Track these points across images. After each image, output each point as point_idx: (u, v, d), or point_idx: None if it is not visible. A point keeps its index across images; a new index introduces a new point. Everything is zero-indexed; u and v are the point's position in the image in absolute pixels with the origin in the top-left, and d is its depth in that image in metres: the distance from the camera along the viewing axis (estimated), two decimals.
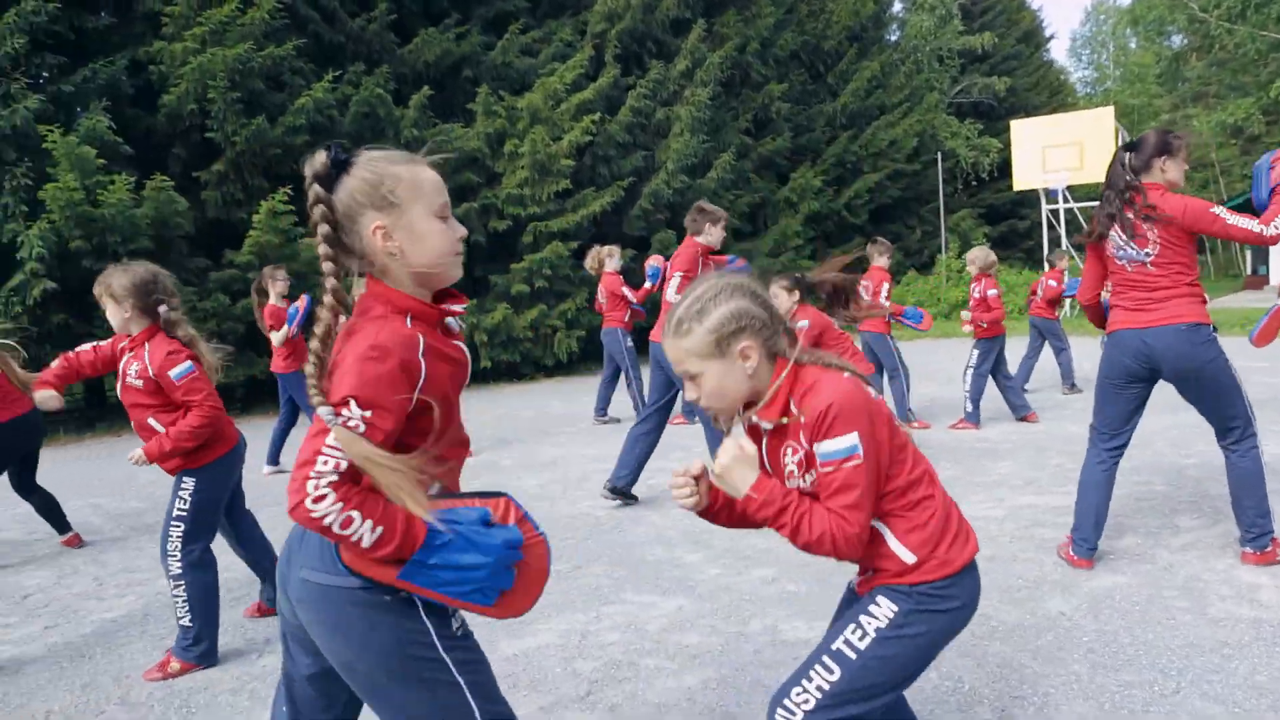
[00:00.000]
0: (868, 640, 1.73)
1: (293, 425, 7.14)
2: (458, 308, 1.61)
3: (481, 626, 3.50)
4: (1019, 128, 18.31)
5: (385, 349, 1.43)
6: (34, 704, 3.05)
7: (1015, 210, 26.90)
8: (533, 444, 7.90)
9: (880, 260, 7.38)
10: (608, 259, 8.28)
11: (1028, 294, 9.27)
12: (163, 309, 3.21)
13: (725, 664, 3.05)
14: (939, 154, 23.37)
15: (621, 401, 9.16)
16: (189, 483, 3.20)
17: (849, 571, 4.06)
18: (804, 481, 1.72)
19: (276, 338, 6.67)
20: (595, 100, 14.70)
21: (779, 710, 1.73)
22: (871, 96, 21.82)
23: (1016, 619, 3.29)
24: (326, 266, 1.49)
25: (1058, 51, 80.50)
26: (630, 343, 8.20)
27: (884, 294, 7.31)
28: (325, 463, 1.36)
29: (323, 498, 1.34)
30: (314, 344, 1.46)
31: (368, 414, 1.39)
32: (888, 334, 7.39)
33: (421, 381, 1.47)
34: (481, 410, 10.58)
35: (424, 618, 1.53)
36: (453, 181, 13.72)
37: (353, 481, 1.39)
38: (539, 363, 14.11)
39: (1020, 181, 18.23)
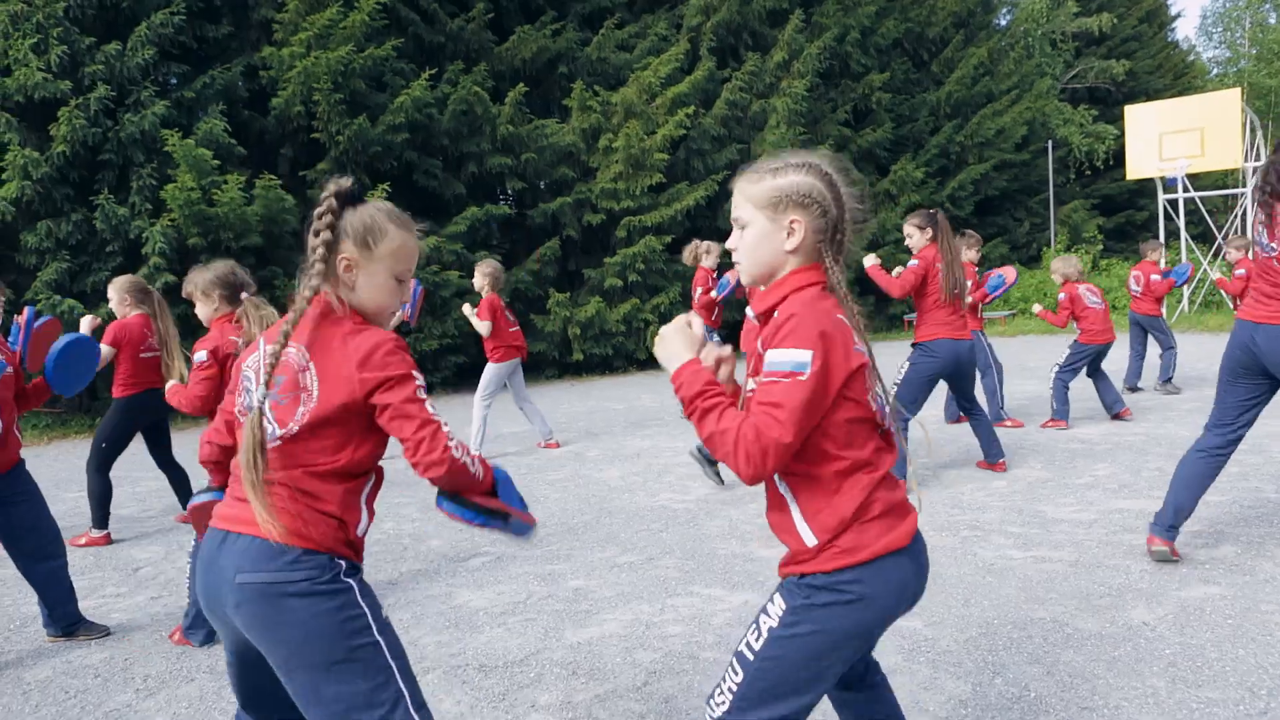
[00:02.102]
0: (762, 641, 1.63)
1: None
2: None
3: (547, 614, 3.58)
4: (1134, 113, 17.38)
5: (399, 339, 1.72)
6: (135, 668, 3.28)
7: (1133, 200, 25.54)
8: (620, 436, 7.98)
9: (969, 254, 7.16)
10: (705, 255, 8.27)
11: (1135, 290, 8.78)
12: (244, 294, 3.50)
13: None
14: (1050, 142, 22.39)
15: None
16: None
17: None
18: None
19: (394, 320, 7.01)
20: (690, 94, 14.67)
21: (707, 711, 1.70)
22: (978, 84, 21.07)
23: (1095, 628, 3.16)
24: (319, 267, 1.71)
25: (1186, 29, 76.23)
26: (718, 339, 8.18)
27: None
28: (440, 428, 1.64)
29: (457, 457, 1.64)
30: (289, 328, 1.68)
31: (421, 381, 1.69)
32: (979, 329, 7.19)
33: None
34: (572, 403, 10.74)
35: (360, 602, 1.61)
36: (547, 176, 13.96)
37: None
38: (631, 356, 14.21)
39: (1134, 170, 17.31)
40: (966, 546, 4.18)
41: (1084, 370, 7.20)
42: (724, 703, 1.64)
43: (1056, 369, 7.09)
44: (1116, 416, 7.11)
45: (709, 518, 4.96)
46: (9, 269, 10.11)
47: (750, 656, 1.63)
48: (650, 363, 14.44)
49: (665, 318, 13.99)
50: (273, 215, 10.83)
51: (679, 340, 1.66)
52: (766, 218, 1.66)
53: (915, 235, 5.34)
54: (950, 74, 20.74)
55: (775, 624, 1.62)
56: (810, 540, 1.60)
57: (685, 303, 14.23)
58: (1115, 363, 7.52)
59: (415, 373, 1.67)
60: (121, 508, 5.99)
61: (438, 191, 13.03)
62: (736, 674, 1.64)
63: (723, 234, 15.70)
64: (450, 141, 12.91)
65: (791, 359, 1.52)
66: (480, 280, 7.01)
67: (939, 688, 2.78)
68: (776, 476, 1.64)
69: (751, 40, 16.77)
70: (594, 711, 2.72)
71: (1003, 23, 26.67)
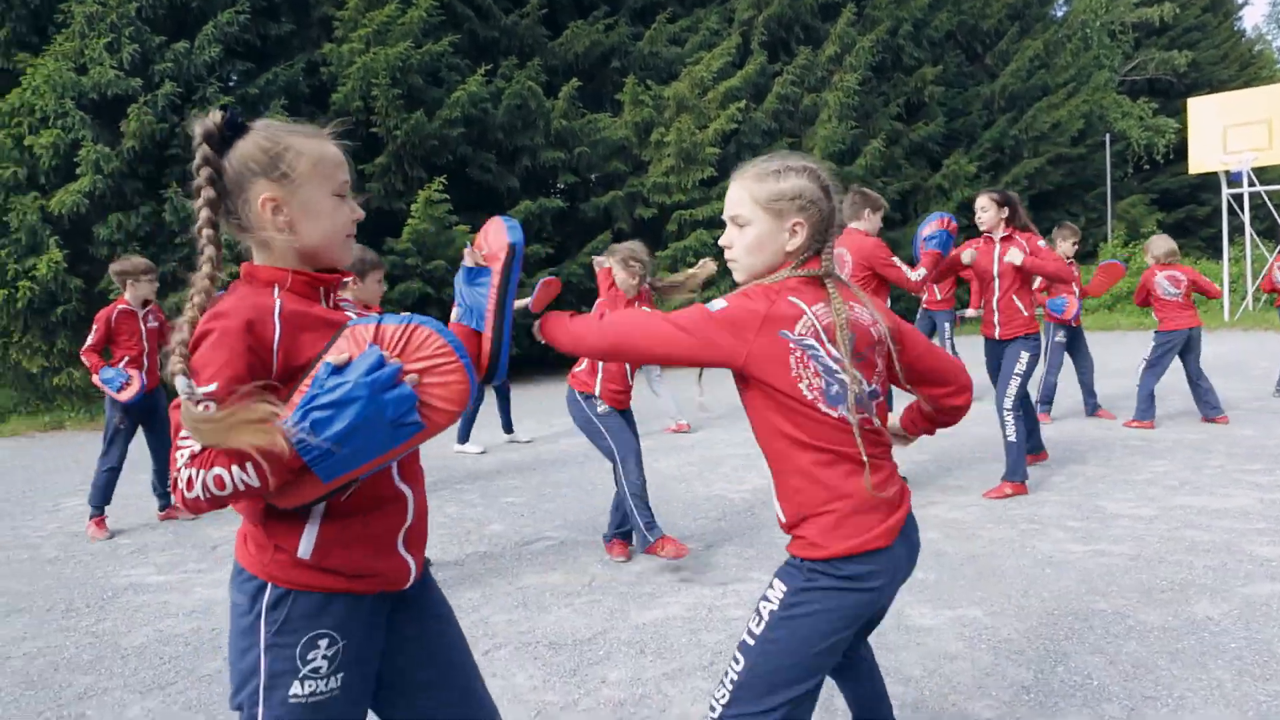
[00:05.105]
0: (762, 625, 1.64)
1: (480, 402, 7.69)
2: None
3: (612, 596, 3.68)
4: (1197, 105, 16.97)
5: (225, 314, 1.35)
6: (220, 638, 3.44)
7: (1194, 195, 24.91)
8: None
9: (1063, 246, 7.13)
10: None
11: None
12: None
13: None
14: (1107, 136, 21.96)
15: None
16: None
17: (981, 563, 3.97)
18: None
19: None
20: (741, 88, 14.69)
21: (708, 710, 1.70)
22: (1034, 77, 20.71)
23: (1158, 620, 3.17)
24: (205, 233, 1.39)
25: (1254, 18, 73.85)
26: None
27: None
28: (179, 456, 1.29)
29: (190, 481, 1.27)
30: (191, 314, 1.36)
31: (211, 388, 1.29)
32: (1055, 322, 7.23)
33: (277, 344, 1.36)
34: None
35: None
36: (600, 170, 14.08)
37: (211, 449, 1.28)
38: None
39: (1197, 164, 16.90)
40: (1024, 539, 4.20)
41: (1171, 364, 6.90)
42: (724, 695, 1.64)
43: (1144, 363, 6.88)
44: (1210, 420, 6.81)
45: (764, 508, 5.03)
46: (83, 260, 10.47)
47: (751, 642, 1.64)
48: None
49: None
50: None
51: None
52: (771, 219, 1.72)
53: (992, 210, 5.14)
54: (1005, 67, 20.43)
55: (776, 606, 1.64)
56: (782, 517, 1.71)
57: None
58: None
59: (196, 371, 1.31)
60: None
61: (492, 185, 13.21)
62: (737, 662, 1.64)
63: None
64: (504, 135, 13.07)
65: (704, 307, 1.70)
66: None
67: (1001, 674, 2.83)
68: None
69: (803, 34, 16.71)
70: (663, 688, 2.82)
71: (1059, 14, 26.16)
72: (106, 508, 5.25)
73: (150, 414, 5.37)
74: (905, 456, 6.01)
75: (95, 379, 5.11)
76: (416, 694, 1.58)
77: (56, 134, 9.81)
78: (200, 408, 1.26)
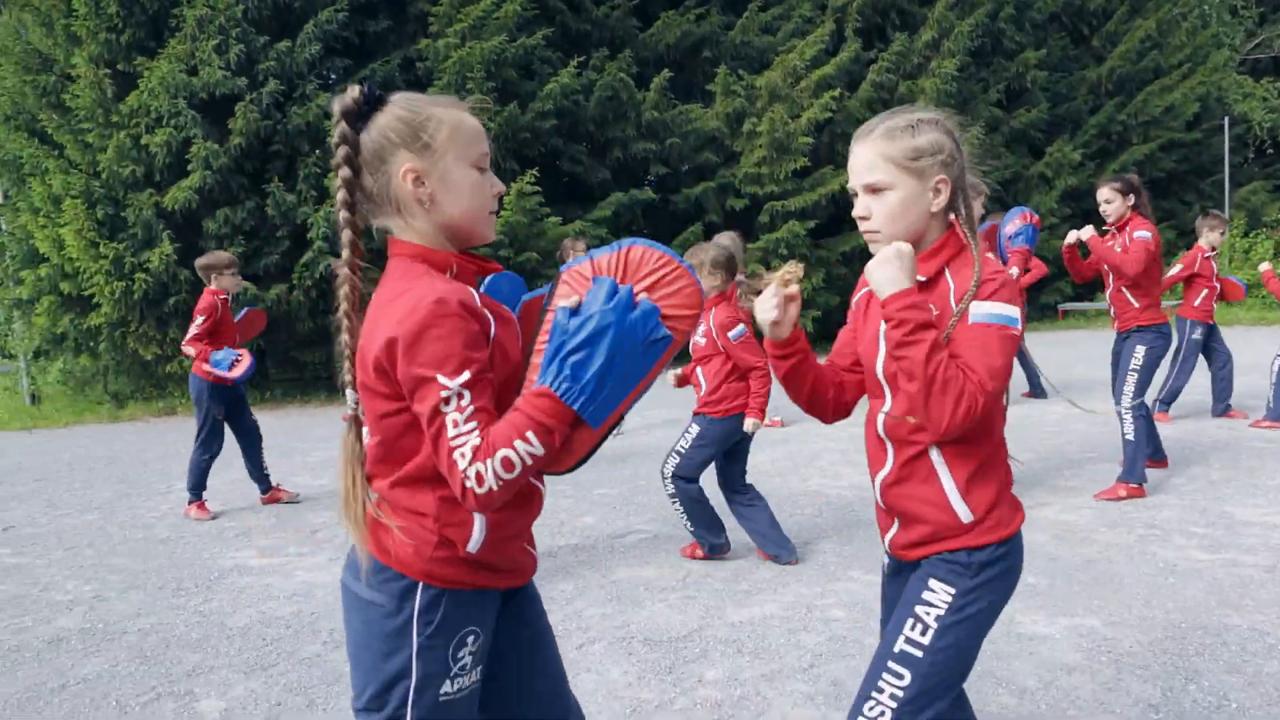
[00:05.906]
0: (930, 633, 1.53)
1: None
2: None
3: (707, 593, 3.60)
4: None
5: (443, 299, 1.26)
6: (320, 622, 3.50)
7: None
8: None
9: (1211, 236, 6.72)
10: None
11: None
12: (739, 278, 3.93)
13: None
14: (1226, 119, 20.71)
15: None
16: (696, 427, 4.01)
17: (1097, 569, 3.76)
18: None
19: None
20: (835, 76, 14.36)
21: None
22: (1145, 58, 19.67)
23: None
24: (343, 216, 1.34)
25: None
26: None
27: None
28: (460, 459, 1.24)
29: (480, 477, 1.23)
30: (343, 307, 1.34)
31: (465, 377, 1.24)
32: (1191, 318, 6.78)
33: (492, 335, 1.35)
34: None
35: None
36: (691, 161, 13.97)
37: (486, 438, 1.25)
38: None
39: None
40: (1144, 545, 3.95)
41: None
42: (883, 713, 1.52)
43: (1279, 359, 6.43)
44: None
45: (864, 505, 4.87)
46: (193, 253, 10.81)
47: (919, 654, 1.52)
48: None
49: (808, 303, 13.78)
50: None
51: (903, 264, 1.51)
52: (913, 179, 1.55)
53: (1117, 201, 4.81)
54: (1113, 48, 19.48)
55: (944, 611, 1.54)
56: (966, 516, 1.55)
57: (829, 288, 14.00)
58: None
59: (438, 374, 1.24)
60: (295, 475, 6.40)
61: (583, 177, 13.25)
62: (900, 677, 1.53)
63: None
64: (596, 128, 13.09)
65: (1002, 311, 1.50)
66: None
67: (1124, 690, 2.65)
68: (933, 447, 1.56)
69: (899, 19, 16.24)
70: (761, 689, 2.73)
71: None
72: (204, 492, 5.42)
73: (234, 405, 5.47)
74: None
75: (205, 365, 5.19)
76: (533, 678, 1.55)
77: (170, 133, 10.23)
78: (454, 403, 1.24)
